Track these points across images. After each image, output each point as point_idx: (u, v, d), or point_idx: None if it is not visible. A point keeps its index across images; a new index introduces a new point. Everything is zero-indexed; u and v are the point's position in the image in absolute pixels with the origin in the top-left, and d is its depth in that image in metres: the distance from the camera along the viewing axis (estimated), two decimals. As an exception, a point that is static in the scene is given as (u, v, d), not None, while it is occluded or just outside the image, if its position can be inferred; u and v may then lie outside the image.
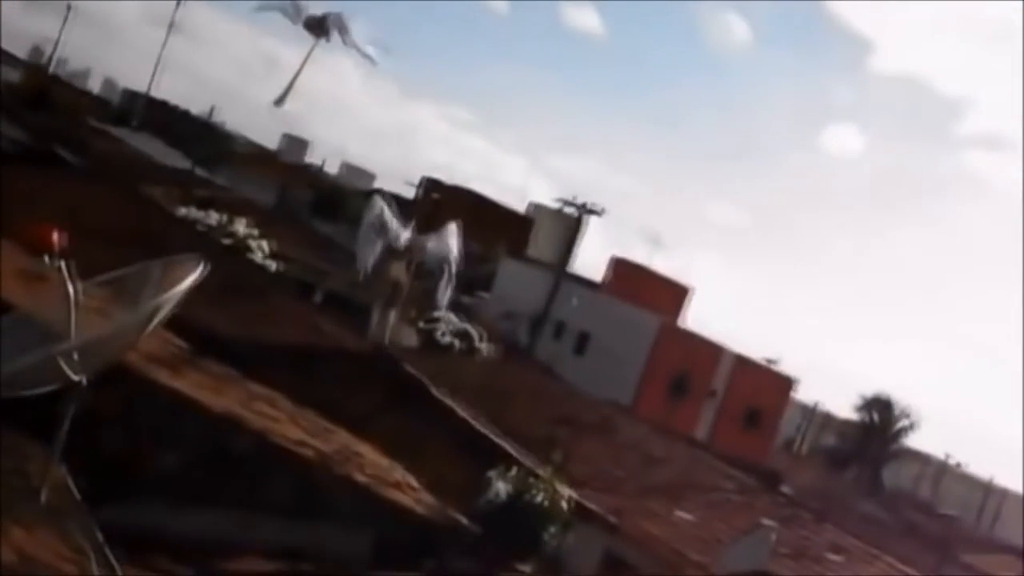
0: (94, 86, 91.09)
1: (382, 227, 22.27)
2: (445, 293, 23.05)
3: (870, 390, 71.44)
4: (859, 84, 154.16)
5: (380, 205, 22.87)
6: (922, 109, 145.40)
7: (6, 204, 17.76)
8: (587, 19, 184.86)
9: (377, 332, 21.20)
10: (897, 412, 69.50)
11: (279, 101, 53.62)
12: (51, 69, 71.02)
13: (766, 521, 19.59)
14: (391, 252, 22.03)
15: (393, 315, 21.94)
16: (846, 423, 73.67)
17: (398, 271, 22.02)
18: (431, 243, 22.31)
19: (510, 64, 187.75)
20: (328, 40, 50.01)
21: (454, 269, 22.80)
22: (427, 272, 22.48)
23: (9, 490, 5.78)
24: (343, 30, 51.16)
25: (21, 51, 71.79)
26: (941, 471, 79.75)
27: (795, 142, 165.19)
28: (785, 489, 29.88)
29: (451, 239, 22.54)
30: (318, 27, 51.36)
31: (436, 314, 39.42)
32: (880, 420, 69.66)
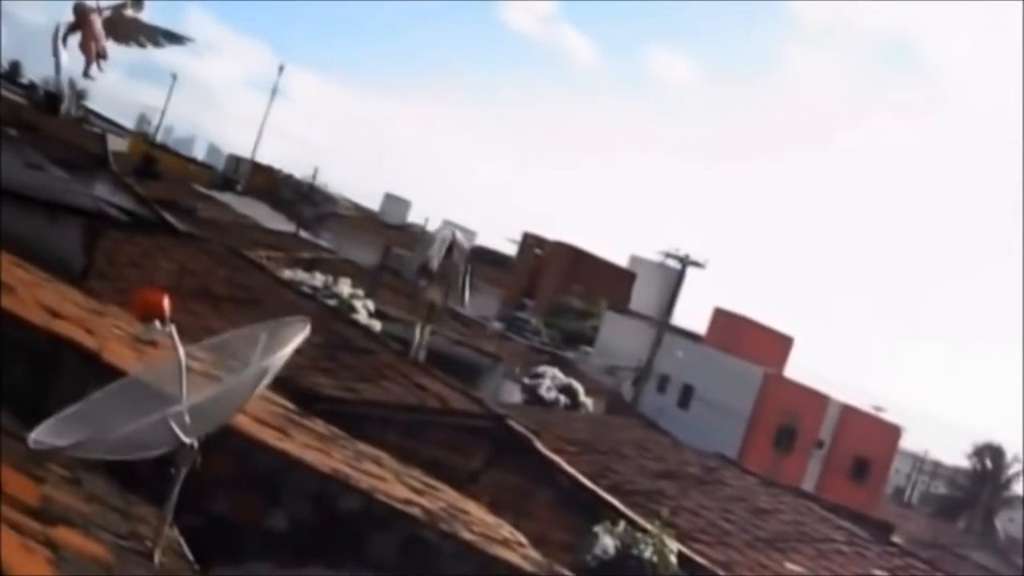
0: (199, 152, 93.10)
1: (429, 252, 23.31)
2: (466, 292, 24.27)
3: (980, 437, 70.32)
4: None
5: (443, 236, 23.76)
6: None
7: (115, 271, 18.13)
8: (675, 67, 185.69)
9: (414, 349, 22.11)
10: (1009, 458, 68.26)
11: (74, 113, 54.96)
12: (157, 137, 72.48)
13: (877, 572, 19.35)
14: (429, 276, 22.97)
15: (425, 333, 23.19)
16: (956, 471, 72.53)
17: (434, 294, 22.98)
18: (453, 257, 23.25)
19: (602, 115, 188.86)
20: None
21: (469, 272, 23.91)
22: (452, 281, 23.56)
23: (123, 552, 5.90)
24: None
25: (129, 120, 73.51)
26: (1056, 518, 78.21)
27: (896, 191, 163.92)
28: (896, 539, 29.48)
29: (463, 248, 23.53)
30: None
31: (540, 369, 39.58)
32: (992, 467, 68.46)
